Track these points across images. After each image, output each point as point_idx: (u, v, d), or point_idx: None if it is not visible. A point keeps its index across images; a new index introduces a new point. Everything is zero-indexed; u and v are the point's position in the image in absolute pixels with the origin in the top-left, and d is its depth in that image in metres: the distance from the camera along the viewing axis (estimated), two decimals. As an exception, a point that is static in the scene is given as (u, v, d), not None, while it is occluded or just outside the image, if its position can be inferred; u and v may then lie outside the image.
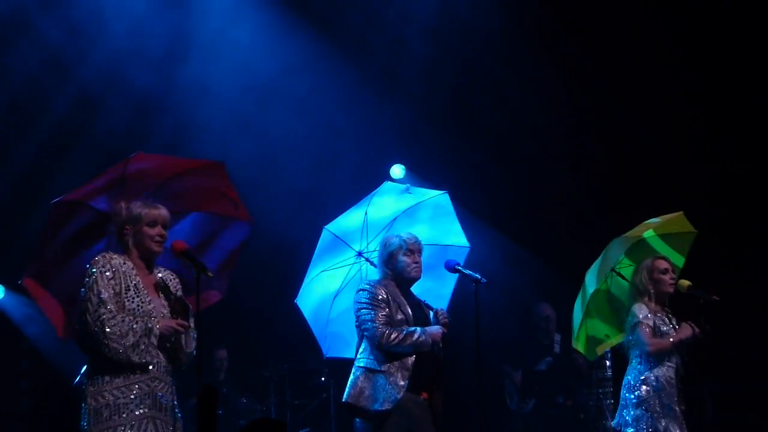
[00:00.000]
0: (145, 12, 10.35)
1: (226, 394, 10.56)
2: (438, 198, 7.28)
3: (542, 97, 11.19)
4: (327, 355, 7.36)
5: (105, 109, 10.64)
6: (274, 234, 10.75)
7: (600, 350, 7.80)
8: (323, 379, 10.64)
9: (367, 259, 7.17)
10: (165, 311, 5.66)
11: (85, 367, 9.33)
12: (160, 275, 5.79)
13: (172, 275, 5.86)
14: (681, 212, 7.58)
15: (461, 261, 7.14)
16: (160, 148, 9.44)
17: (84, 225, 5.81)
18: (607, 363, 9.73)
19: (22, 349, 11.05)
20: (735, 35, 10.52)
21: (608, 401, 9.95)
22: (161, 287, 5.75)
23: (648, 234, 7.60)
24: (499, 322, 9.97)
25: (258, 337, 11.27)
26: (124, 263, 5.61)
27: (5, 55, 10.23)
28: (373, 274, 7.09)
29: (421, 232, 7.15)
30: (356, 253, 7.20)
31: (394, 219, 7.18)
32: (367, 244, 7.17)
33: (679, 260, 7.73)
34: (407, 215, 7.23)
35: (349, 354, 7.14)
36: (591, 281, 7.52)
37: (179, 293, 5.78)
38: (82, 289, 5.53)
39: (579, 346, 7.66)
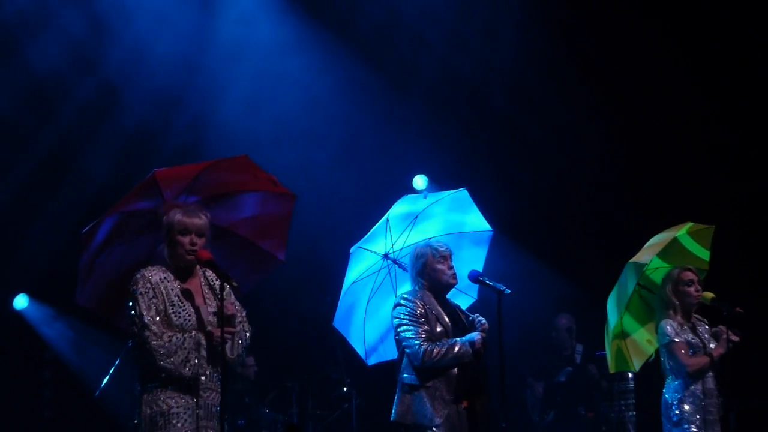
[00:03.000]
0: (166, 17, 10.44)
1: (249, 404, 10.53)
2: (456, 193, 7.27)
3: (567, 111, 11.18)
4: (369, 364, 7.29)
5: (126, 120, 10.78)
6: (300, 247, 10.76)
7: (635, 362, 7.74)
8: (345, 389, 10.58)
9: (394, 261, 7.11)
10: (212, 318, 5.69)
11: (107, 377, 9.67)
12: (203, 278, 5.82)
13: (214, 275, 5.86)
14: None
15: (486, 246, 7.21)
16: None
17: (111, 228, 5.84)
18: (629, 375, 9.71)
19: (45, 358, 11.08)
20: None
21: (630, 413, 9.90)
22: (208, 290, 5.78)
23: (680, 233, 7.51)
24: (521, 333, 9.94)
25: (281, 348, 11.22)
26: (165, 276, 5.66)
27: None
28: (402, 276, 7.04)
29: (442, 223, 7.19)
30: (382, 256, 7.13)
31: (416, 218, 7.13)
32: (392, 245, 7.11)
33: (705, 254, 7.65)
34: (427, 212, 7.18)
35: (390, 356, 7.09)
36: (612, 311, 7.48)
37: (224, 293, 5.77)
38: (127, 309, 5.62)
39: (613, 367, 7.66)
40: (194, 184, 5.88)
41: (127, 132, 10.73)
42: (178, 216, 5.70)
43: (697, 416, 7.21)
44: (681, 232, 7.50)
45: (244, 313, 5.84)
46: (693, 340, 7.31)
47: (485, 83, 11.23)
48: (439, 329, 6.62)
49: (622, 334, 7.55)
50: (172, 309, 5.59)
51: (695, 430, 7.19)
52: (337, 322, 7.21)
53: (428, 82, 11.26)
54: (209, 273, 5.84)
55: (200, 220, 5.74)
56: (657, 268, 7.55)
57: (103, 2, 10.31)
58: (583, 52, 10.99)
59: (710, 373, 7.29)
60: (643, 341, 7.59)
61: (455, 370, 6.55)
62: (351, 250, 7.13)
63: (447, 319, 6.69)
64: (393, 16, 10.95)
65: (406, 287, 6.93)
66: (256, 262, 6.14)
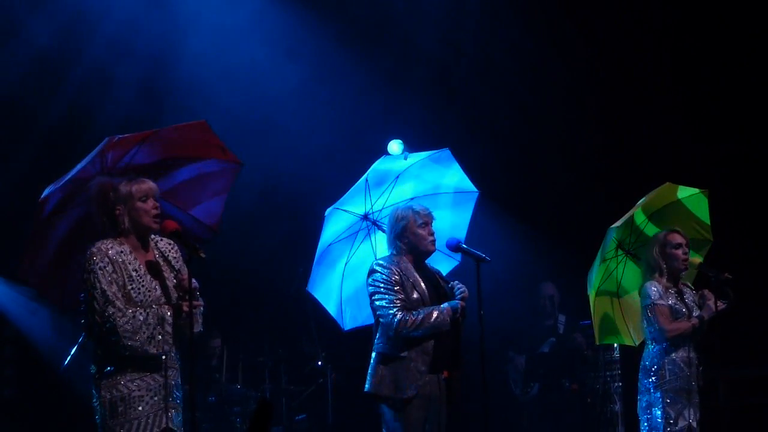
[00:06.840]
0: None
1: (219, 379, 10.43)
2: (438, 153, 7.11)
3: (547, 73, 11.10)
4: (345, 329, 7.12)
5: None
6: (272, 219, 10.76)
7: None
8: (320, 364, 10.45)
9: (373, 222, 6.97)
10: (173, 293, 5.53)
11: (72, 353, 9.40)
12: (156, 251, 5.64)
13: (169, 244, 5.71)
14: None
15: (471, 207, 7.12)
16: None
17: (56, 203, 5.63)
18: (615, 345, 9.55)
19: (6, 335, 10.86)
20: (739, 25, 10.56)
21: (616, 384, 9.83)
22: (163, 263, 5.61)
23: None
24: (502, 302, 9.80)
25: (253, 322, 11.10)
26: (121, 250, 5.46)
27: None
28: (381, 237, 6.85)
29: (425, 183, 7.07)
30: (361, 217, 6.99)
31: (397, 177, 6.98)
32: (372, 205, 6.95)
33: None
34: (410, 172, 7.03)
35: (368, 321, 6.93)
36: (591, 275, 7.33)
37: (179, 263, 5.64)
38: (84, 287, 5.44)
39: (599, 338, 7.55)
40: (139, 149, 5.67)
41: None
42: (132, 185, 5.49)
43: (674, 385, 7.04)
44: (680, 194, 7.34)
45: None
46: (676, 306, 7.13)
47: (463, 56, 11.22)
48: (415, 296, 6.44)
49: (620, 301, 7.39)
50: (131, 284, 5.42)
51: (667, 398, 7.00)
52: (312, 286, 7.03)
53: (398, 42, 11.14)
54: (162, 244, 5.67)
55: (153, 184, 5.57)
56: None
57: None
58: (557, 25, 10.93)
59: (691, 342, 7.11)
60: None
61: (431, 341, 6.39)
62: (326, 212, 6.95)
63: (424, 286, 6.50)
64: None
65: (385, 248, 6.74)
66: (189, 230, 5.93)
